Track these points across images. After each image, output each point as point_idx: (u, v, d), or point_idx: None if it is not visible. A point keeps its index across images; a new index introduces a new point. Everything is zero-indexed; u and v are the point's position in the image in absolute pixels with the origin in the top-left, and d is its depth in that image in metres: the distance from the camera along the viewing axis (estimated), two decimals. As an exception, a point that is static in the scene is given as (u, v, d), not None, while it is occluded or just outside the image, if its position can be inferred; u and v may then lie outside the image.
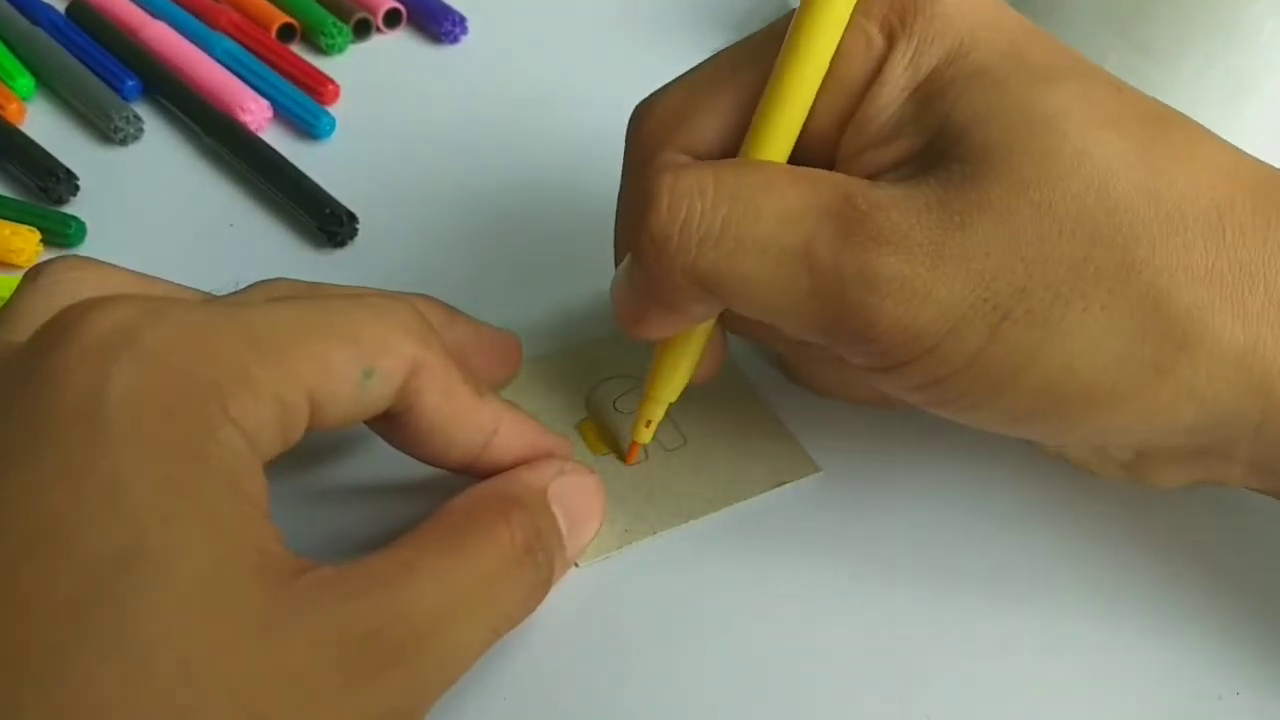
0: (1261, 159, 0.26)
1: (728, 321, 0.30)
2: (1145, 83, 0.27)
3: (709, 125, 0.27)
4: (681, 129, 0.27)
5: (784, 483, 0.31)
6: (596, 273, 0.36)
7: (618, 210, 0.30)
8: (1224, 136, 0.26)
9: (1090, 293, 0.23)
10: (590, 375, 0.33)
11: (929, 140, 0.25)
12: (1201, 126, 0.26)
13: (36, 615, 0.19)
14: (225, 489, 0.21)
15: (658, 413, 0.30)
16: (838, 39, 0.26)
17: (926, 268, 0.24)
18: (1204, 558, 0.30)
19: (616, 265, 0.29)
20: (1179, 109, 0.26)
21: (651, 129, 0.28)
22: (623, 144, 0.29)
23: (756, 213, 0.24)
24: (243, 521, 0.21)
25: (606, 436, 0.32)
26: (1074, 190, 0.24)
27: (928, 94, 0.25)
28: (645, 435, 0.31)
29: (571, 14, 0.49)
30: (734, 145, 0.27)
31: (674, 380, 0.30)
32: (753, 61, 0.27)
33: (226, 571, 0.20)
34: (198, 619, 0.19)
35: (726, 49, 0.28)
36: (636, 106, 0.29)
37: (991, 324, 0.24)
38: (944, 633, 0.28)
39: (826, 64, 0.26)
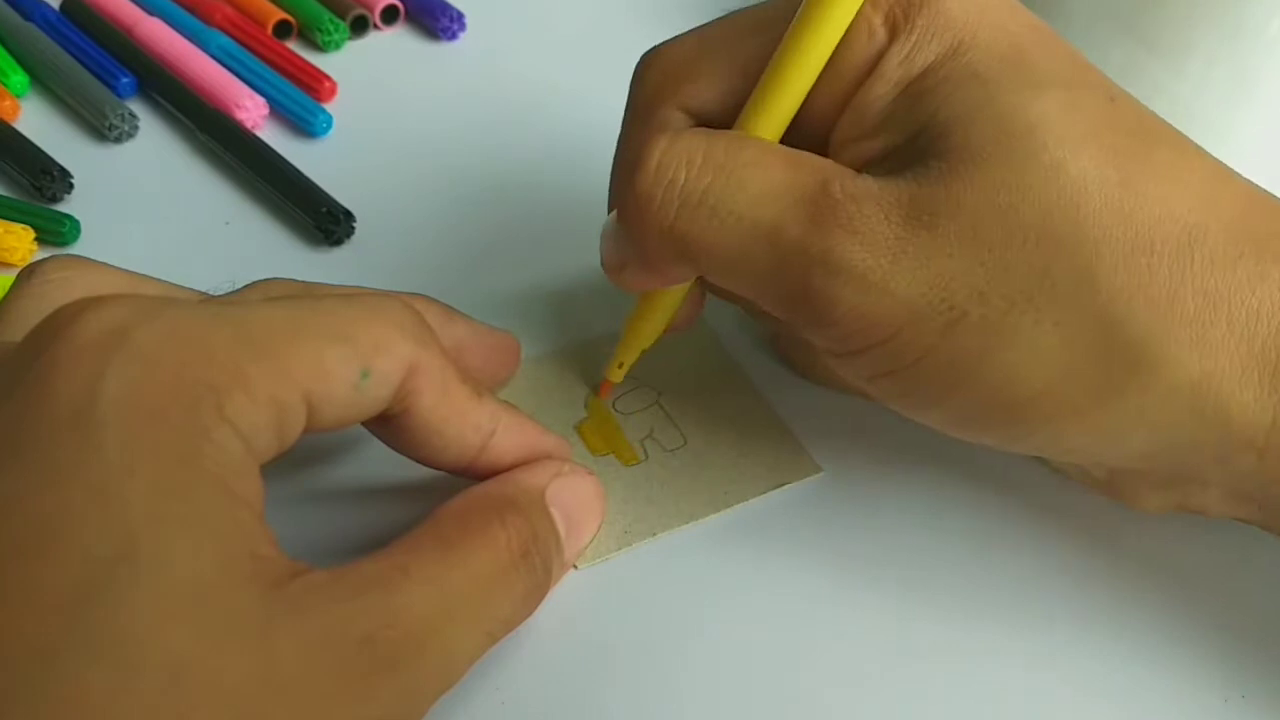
0: (1255, 180, 0.26)
1: (711, 285, 0.31)
2: (1149, 79, 0.27)
3: (711, 87, 0.28)
4: (685, 86, 0.28)
5: (785, 484, 0.31)
6: (596, 271, 0.36)
7: (614, 158, 0.30)
8: (1227, 134, 0.26)
9: (1045, 305, 0.24)
10: (590, 375, 0.33)
11: (912, 136, 0.25)
12: (1195, 146, 0.26)
13: (25, 617, 0.19)
14: (219, 491, 0.21)
15: (631, 356, 0.32)
16: (845, 26, 0.26)
17: (888, 260, 0.24)
18: (1207, 559, 0.30)
19: (609, 211, 0.30)
20: (1183, 106, 0.26)
21: (656, 82, 0.29)
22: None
23: (738, 187, 0.25)
24: (236, 524, 0.21)
25: (606, 437, 0.32)
26: (1043, 201, 0.24)
27: (918, 90, 0.25)
28: (617, 375, 0.32)
29: (571, 10, 0.49)
30: (733, 109, 0.28)
31: (649, 328, 0.31)
32: (759, 33, 0.27)
33: (219, 575, 0.20)
34: (189, 622, 0.19)
35: (742, 11, 0.28)
36: (644, 54, 0.29)
37: (947, 322, 0.24)
38: (949, 636, 0.28)
39: (830, 50, 0.26)
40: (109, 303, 0.22)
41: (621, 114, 0.30)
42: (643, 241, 0.26)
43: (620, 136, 0.30)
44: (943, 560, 0.30)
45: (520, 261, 0.37)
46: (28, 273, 0.26)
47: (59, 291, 0.25)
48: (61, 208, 0.38)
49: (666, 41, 0.29)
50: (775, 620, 0.28)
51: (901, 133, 0.25)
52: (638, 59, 0.30)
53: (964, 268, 0.24)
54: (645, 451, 0.32)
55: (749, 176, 0.25)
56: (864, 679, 0.27)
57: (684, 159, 0.25)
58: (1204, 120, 0.26)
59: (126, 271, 0.27)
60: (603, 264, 0.29)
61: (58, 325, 0.21)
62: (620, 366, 0.32)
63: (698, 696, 0.27)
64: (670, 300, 0.31)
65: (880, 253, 0.24)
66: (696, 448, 0.32)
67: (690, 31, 0.29)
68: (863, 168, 0.26)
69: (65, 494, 0.20)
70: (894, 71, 0.26)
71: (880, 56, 0.26)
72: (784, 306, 0.26)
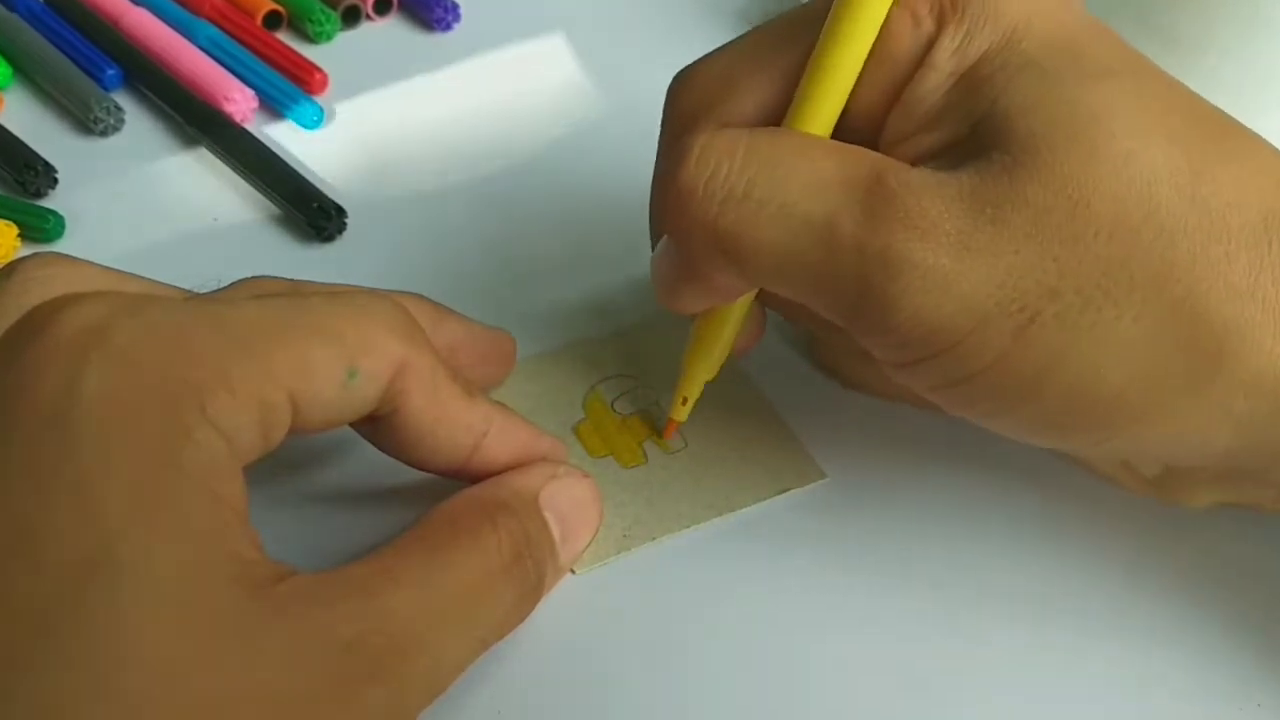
0: None
1: (769, 299, 0.30)
2: (1166, 68, 0.27)
3: (750, 100, 0.27)
4: (720, 104, 0.27)
5: (788, 489, 0.31)
6: (595, 269, 0.36)
7: (653, 186, 0.30)
8: (1246, 124, 0.26)
9: (1123, 299, 0.23)
10: (588, 375, 0.33)
11: (972, 128, 0.25)
12: (1255, 134, 0.25)
13: (3, 624, 0.19)
14: (201, 492, 0.21)
15: (694, 391, 0.31)
16: (884, 12, 0.25)
17: (951, 258, 0.23)
18: (1226, 567, 0.30)
19: (653, 246, 0.29)
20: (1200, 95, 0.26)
21: (691, 102, 0.28)
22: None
23: (784, 178, 0.24)
24: (219, 526, 0.21)
25: (605, 438, 0.32)
26: (1115, 192, 0.23)
27: (974, 81, 0.25)
28: (682, 414, 0.31)
29: (567, 1, 0.48)
30: (774, 123, 0.27)
31: (711, 357, 0.30)
32: (793, 40, 0.27)
33: (200, 578, 0.20)
34: (169, 627, 0.19)
35: (765, 25, 0.28)
36: (676, 75, 0.29)
37: (1018, 325, 0.23)
38: (956, 645, 0.28)
39: (871, 40, 0.26)
40: (88, 300, 0.22)
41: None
42: (688, 242, 0.25)
43: (658, 161, 0.30)
44: (950, 568, 0.30)
45: (517, 258, 0.37)
46: (7, 271, 0.26)
47: (39, 290, 0.25)
48: (46, 203, 0.38)
49: (697, 60, 0.29)
50: (777, 629, 0.28)
51: (959, 125, 0.25)
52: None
53: (1034, 264, 0.23)
54: (645, 454, 0.31)
55: (796, 167, 0.24)
56: (870, 689, 0.27)
57: (726, 150, 0.25)
58: (1256, 130, 0.26)
59: (109, 269, 0.27)
60: (656, 289, 0.28)
61: (35, 324, 0.21)
62: (685, 403, 0.31)
63: (698, 705, 0.27)
64: (729, 322, 0.30)
65: (943, 250, 0.23)
66: (697, 450, 0.32)
67: (720, 48, 0.28)
68: (915, 164, 0.25)
69: (42, 495, 0.20)
70: (946, 62, 0.25)
71: (929, 47, 0.25)
72: (839, 311, 0.25)
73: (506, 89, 0.44)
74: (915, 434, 0.32)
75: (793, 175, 0.24)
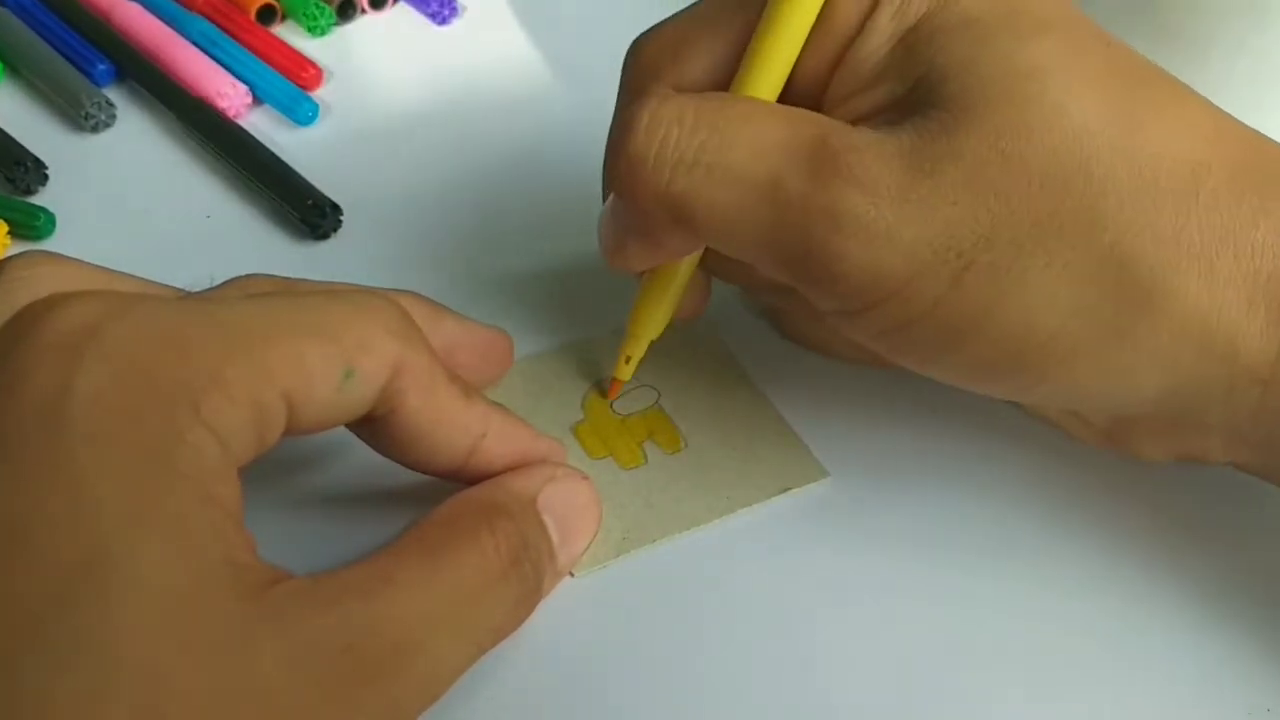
0: (1247, 124, 0.26)
1: (712, 265, 0.31)
2: (1173, 66, 0.27)
3: (701, 63, 0.28)
4: (674, 65, 0.28)
5: (790, 489, 0.31)
6: (594, 267, 0.36)
7: (608, 142, 0.30)
8: (1252, 121, 0.26)
9: (1054, 248, 0.24)
10: (587, 375, 0.33)
11: (911, 87, 0.26)
12: (1188, 88, 0.26)
13: None
14: (194, 494, 0.21)
15: (638, 349, 0.32)
16: None
17: (892, 211, 0.24)
18: (1233, 572, 0.30)
19: (604, 199, 0.30)
20: (1207, 93, 0.27)
21: (645, 63, 0.29)
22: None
23: (732, 142, 0.25)
24: (213, 529, 0.21)
25: (604, 440, 0.32)
26: (1047, 144, 0.24)
27: (914, 41, 0.26)
28: (625, 372, 0.32)
29: (566, -4, 0.49)
30: (725, 84, 0.28)
31: (655, 316, 0.31)
32: (745, 4, 0.28)
33: (193, 581, 0.20)
34: (162, 631, 0.19)
35: None
36: (635, 40, 0.30)
37: (954, 271, 0.24)
38: (960, 646, 0.28)
39: (816, 8, 0.27)
40: (80, 299, 0.22)
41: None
42: (638, 208, 0.26)
43: (613, 120, 0.30)
44: (957, 568, 0.30)
45: (514, 256, 0.37)
46: (-4, 269, 0.26)
47: (27, 290, 0.25)
48: (36, 200, 0.38)
49: (654, 26, 0.30)
50: (779, 631, 0.28)
51: (898, 85, 0.26)
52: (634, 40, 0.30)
53: (969, 215, 0.24)
54: (645, 454, 0.31)
55: (743, 131, 0.25)
56: (874, 692, 0.27)
57: (675, 117, 0.26)
58: (1228, 106, 0.26)
59: (99, 268, 0.27)
60: (602, 249, 0.29)
61: (26, 323, 0.21)
62: (627, 362, 0.32)
63: (698, 710, 0.27)
64: (675, 282, 0.31)
65: (884, 203, 0.24)
66: (698, 451, 0.32)
67: (679, 12, 0.29)
68: (858, 123, 0.26)
69: (34, 497, 0.20)
70: (887, 25, 0.26)
71: (871, 11, 0.26)
72: (786, 267, 0.26)
73: (502, 84, 0.44)
74: (916, 432, 0.32)
75: (740, 140, 0.25)
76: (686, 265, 0.30)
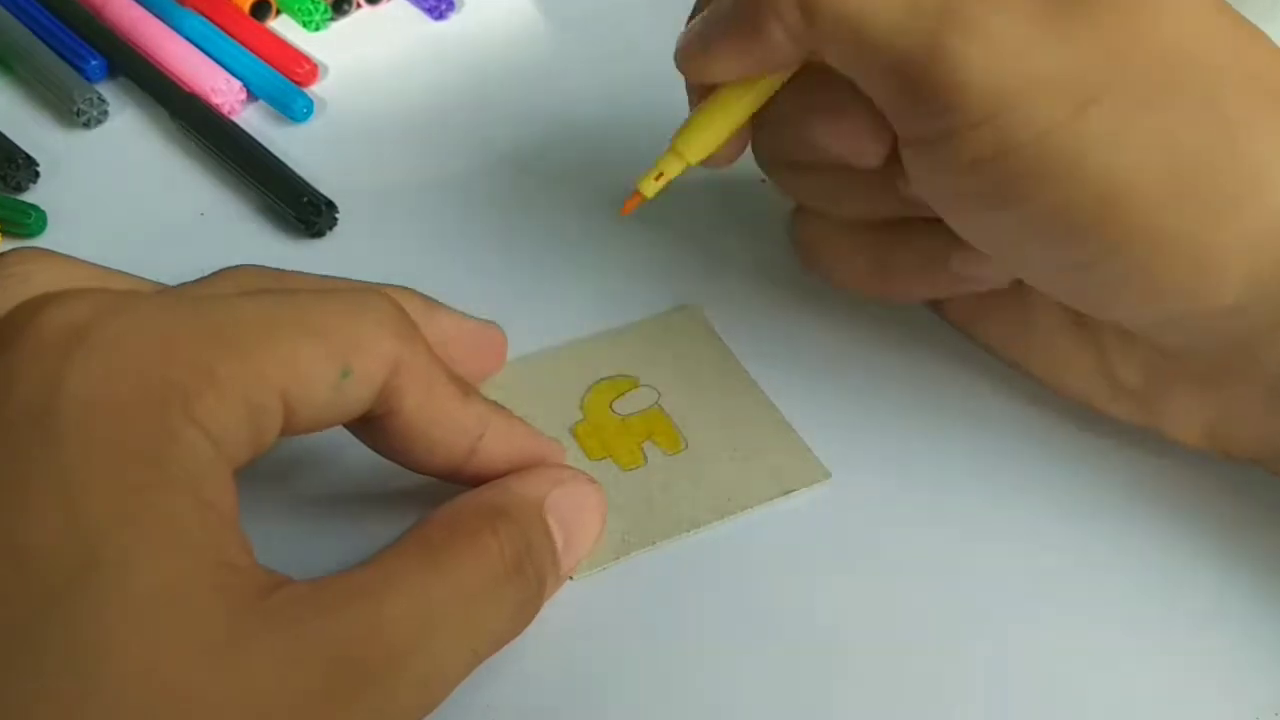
0: None
1: (760, 137, 0.31)
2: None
3: None
4: None
5: (793, 490, 0.31)
6: (594, 265, 0.36)
7: None
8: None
9: (1180, 108, 0.25)
10: (585, 375, 0.33)
11: None
12: None
13: None
14: (187, 496, 0.21)
15: (675, 168, 0.31)
16: None
17: (1027, 29, 0.25)
18: (1240, 573, 0.30)
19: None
20: None
21: None
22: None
23: None
24: (206, 532, 0.21)
25: (603, 440, 0.32)
26: (1174, 27, 0.25)
27: None
28: (651, 189, 0.31)
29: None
30: None
31: (706, 138, 0.30)
32: None
33: (185, 585, 0.20)
34: (153, 636, 0.19)
35: None
36: None
37: (1079, 101, 0.25)
38: (965, 649, 0.28)
39: None
40: (70, 298, 0.22)
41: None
42: None
43: None
44: (961, 568, 0.30)
45: (512, 255, 0.37)
46: (-15, 266, 0.26)
47: (20, 286, 0.25)
48: (27, 197, 0.38)
49: None
50: (780, 635, 0.28)
51: None
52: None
53: (1099, 58, 0.25)
54: (645, 455, 0.31)
55: None
56: (875, 692, 0.27)
57: None
58: None
59: (92, 265, 0.27)
60: (682, 50, 0.29)
61: (17, 322, 0.21)
62: (658, 179, 0.31)
63: (700, 713, 0.27)
64: (742, 104, 0.30)
65: (1021, 20, 0.25)
66: (699, 451, 0.32)
67: None
68: None
69: (23, 500, 0.20)
70: None
71: None
72: (902, 73, 0.26)
73: (501, 80, 0.44)
74: (922, 429, 0.32)
75: None
76: (761, 89, 0.30)
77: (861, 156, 0.30)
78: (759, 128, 0.32)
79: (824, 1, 0.26)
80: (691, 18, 0.31)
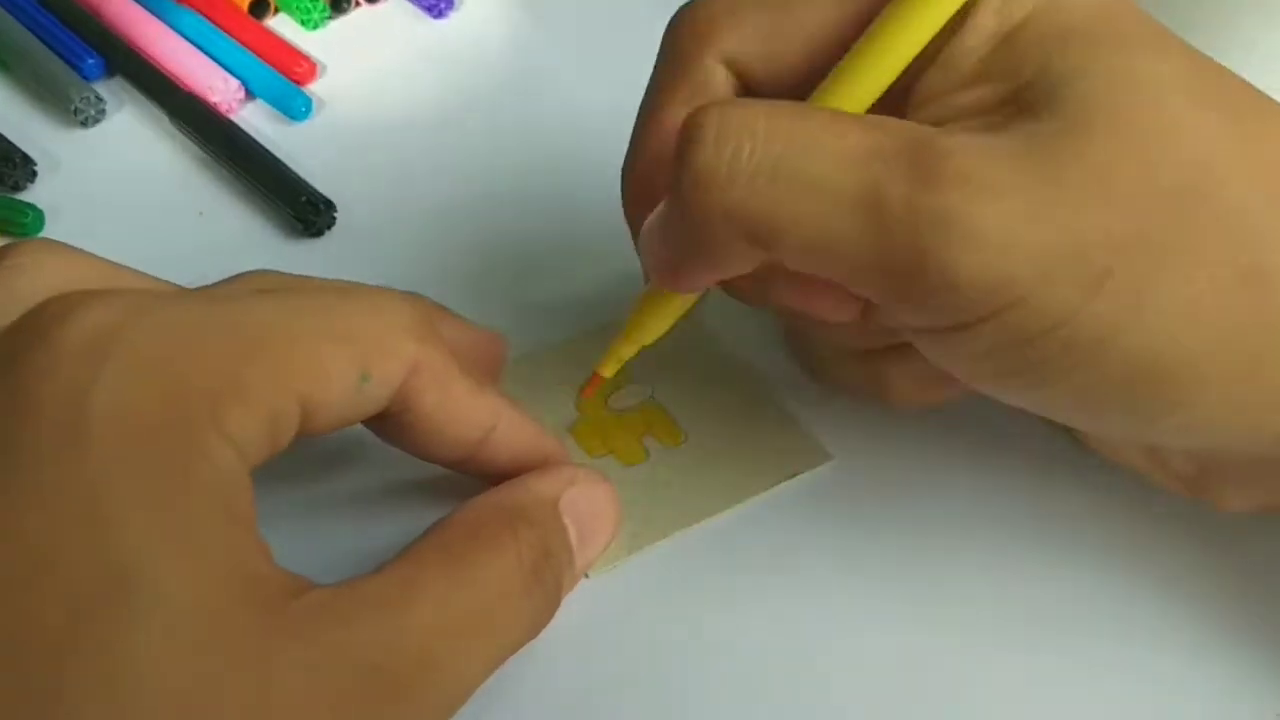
0: None
1: (736, 286, 0.29)
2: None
3: (757, 33, 0.27)
4: (726, 32, 0.27)
5: (797, 474, 0.31)
6: (593, 264, 0.36)
7: (639, 119, 0.29)
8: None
9: (1192, 262, 0.23)
10: (579, 373, 0.33)
11: (1015, 90, 0.24)
12: None
13: (14, 657, 0.19)
14: (215, 509, 0.21)
15: (630, 353, 0.31)
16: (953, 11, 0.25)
17: (1015, 214, 0.22)
18: (1245, 572, 0.30)
19: (623, 192, 0.29)
20: None
21: (693, 29, 0.27)
22: (623, 125, 0.29)
23: (815, 152, 0.23)
24: (233, 544, 0.21)
25: (603, 437, 0.32)
26: (1179, 158, 0.23)
27: (1020, 42, 0.25)
28: (609, 370, 0.31)
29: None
30: (780, 60, 0.27)
31: (658, 324, 0.30)
32: None
33: (217, 601, 0.20)
34: (187, 654, 0.19)
35: None
36: (680, 8, 0.28)
37: (1093, 278, 0.22)
38: (972, 630, 0.28)
39: (943, 21, 0.26)
40: (94, 302, 0.21)
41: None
42: (704, 226, 0.24)
43: (647, 98, 0.29)
44: (967, 547, 0.30)
45: (511, 254, 0.37)
46: (-4, 256, 0.26)
47: (28, 279, 0.24)
48: (24, 196, 0.38)
49: None
50: (794, 620, 0.28)
51: (1000, 86, 0.25)
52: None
53: (1102, 221, 0.23)
54: (646, 450, 0.32)
55: (825, 140, 0.23)
56: (890, 679, 0.27)
57: (745, 128, 0.24)
58: None
59: (99, 258, 0.27)
60: (649, 268, 0.27)
61: (41, 327, 0.21)
62: (615, 361, 0.31)
63: (719, 704, 0.27)
64: (685, 299, 0.29)
65: (1005, 206, 0.22)
66: (699, 442, 0.32)
67: None
68: (943, 124, 0.25)
69: (53, 515, 0.19)
70: (988, 21, 0.25)
71: (972, 8, 0.25)
72: (885, 281, 0.24)
73: (501, 79, 0.44)
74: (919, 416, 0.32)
75: (824, 149, 0.23)
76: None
77: (836, 316, 0.28)
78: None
79: (778, 231, 0.24)
80: (626, 201, 0.30)
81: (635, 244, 0.29)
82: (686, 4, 0.28)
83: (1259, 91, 0.25)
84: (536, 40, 0.46)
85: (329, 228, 0.38)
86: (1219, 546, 0.30)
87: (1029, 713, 0.27)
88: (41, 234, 0.37)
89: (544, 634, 0.25)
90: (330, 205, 0.38)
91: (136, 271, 0.28)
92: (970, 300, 0.23)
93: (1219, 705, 0.28)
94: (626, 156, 0.30)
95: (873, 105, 0.26)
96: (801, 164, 0.23)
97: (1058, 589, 0.29)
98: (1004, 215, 0.22)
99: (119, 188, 0.39)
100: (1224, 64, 0.26)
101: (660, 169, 0.27)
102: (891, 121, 0.24)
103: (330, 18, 0.46)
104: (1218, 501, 0.29)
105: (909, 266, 0.23)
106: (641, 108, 0.29)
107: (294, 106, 0.41)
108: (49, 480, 0.20)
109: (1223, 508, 0.29)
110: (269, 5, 0.46)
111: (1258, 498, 0.28)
